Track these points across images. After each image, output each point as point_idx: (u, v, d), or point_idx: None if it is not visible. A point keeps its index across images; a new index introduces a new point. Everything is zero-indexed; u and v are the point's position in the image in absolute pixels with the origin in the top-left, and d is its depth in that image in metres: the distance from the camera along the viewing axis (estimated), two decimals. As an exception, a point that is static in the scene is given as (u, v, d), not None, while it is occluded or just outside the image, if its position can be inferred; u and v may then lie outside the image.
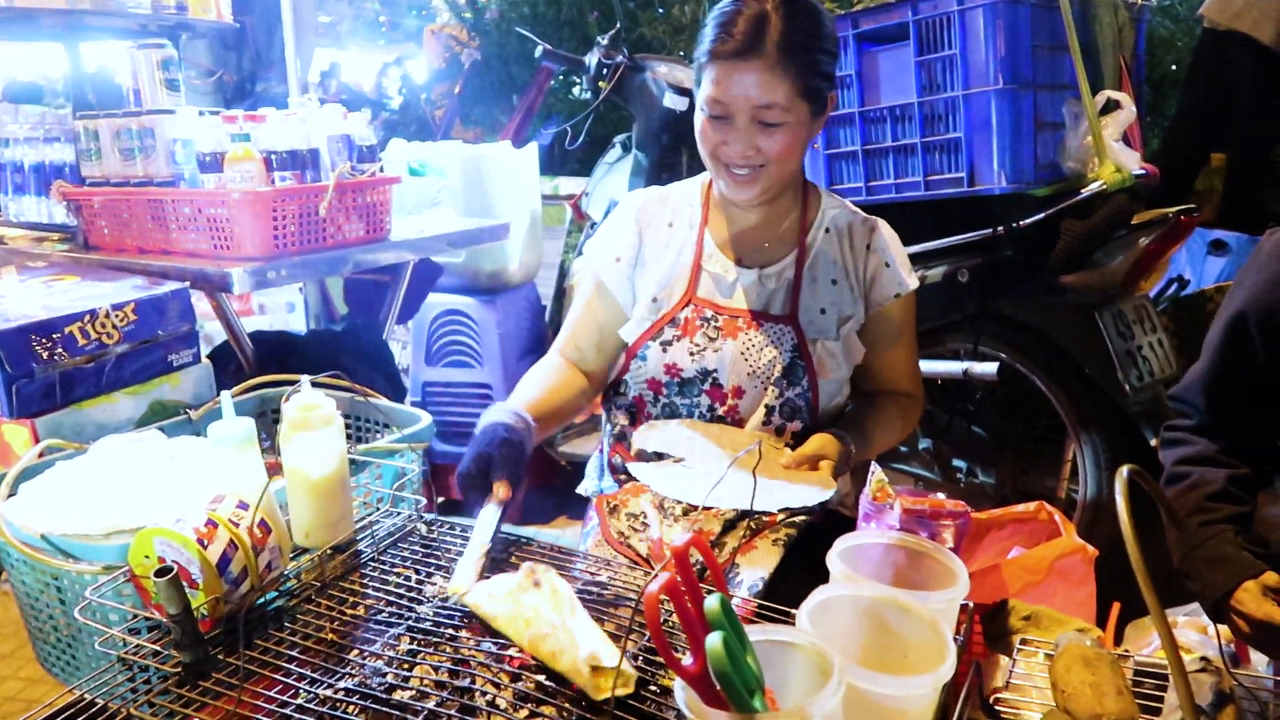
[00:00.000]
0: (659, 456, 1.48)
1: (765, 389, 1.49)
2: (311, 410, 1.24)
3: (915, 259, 2.34)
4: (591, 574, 1.25)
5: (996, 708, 1.11)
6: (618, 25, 3.09)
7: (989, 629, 1.43)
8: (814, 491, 1.33)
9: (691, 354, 1.52)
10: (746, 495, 1.28)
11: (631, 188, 2.92)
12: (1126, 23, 2.36)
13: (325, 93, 4.87)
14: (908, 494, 1.19)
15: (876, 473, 1.22)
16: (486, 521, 1.23)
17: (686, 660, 0.84)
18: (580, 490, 1.76)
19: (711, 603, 0.83)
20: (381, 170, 2.27)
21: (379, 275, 2.64)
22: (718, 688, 0.80)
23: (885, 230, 1.56)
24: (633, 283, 1.60)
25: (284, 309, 3.75)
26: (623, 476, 1.65)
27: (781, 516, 1.53)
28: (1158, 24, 6.25)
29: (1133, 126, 2.20)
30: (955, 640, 1.12)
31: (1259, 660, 1.57)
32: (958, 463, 2.52)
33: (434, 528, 1.35)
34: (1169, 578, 1.88)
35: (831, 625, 1.02)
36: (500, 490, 1.26)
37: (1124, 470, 0.90)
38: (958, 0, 2.08)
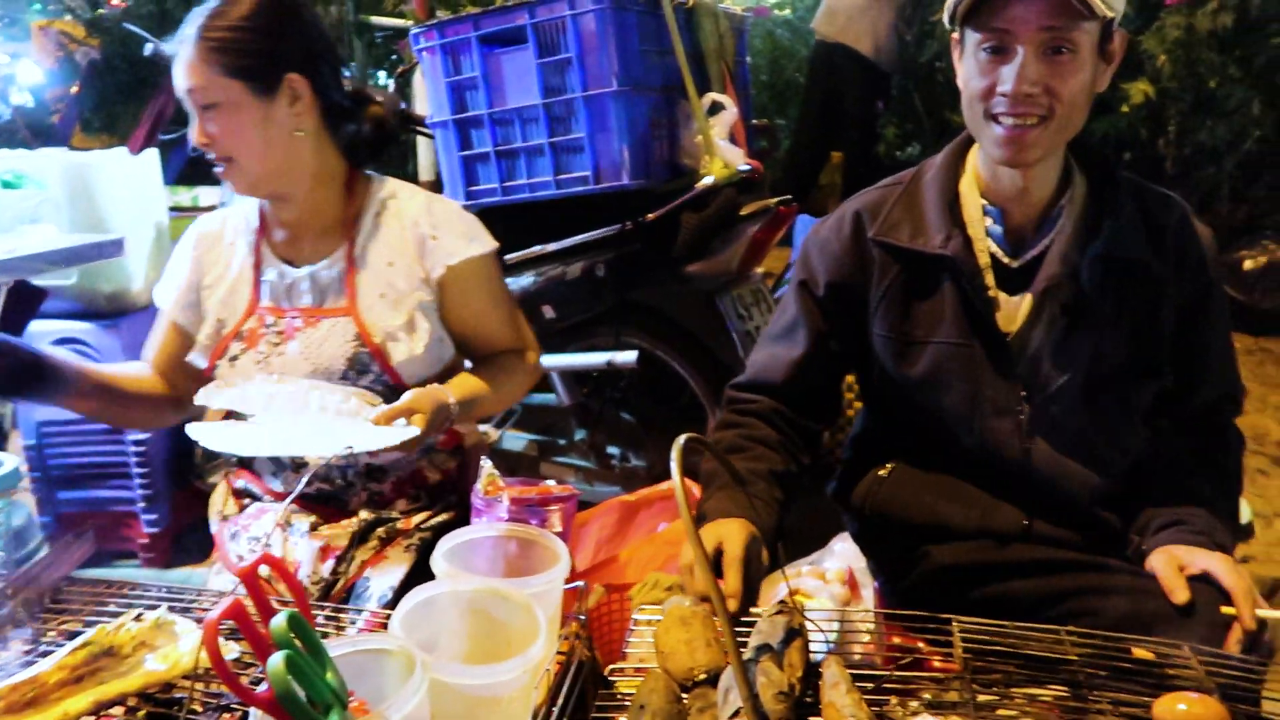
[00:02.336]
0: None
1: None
2: None
3: (556, 256, 2.42)
4: (203, 610, 1.16)
5: (612, 679, 1.17)
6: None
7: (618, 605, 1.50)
8: (399, 431, 1.30)
9: (258, 363, 1.49)
10: (335, 440, 1.26)
11: None
12: (728, 31, 2.57)
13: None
14: (518, 484, 1.22)
15: (486, 467, 1.24)
16: None
17: (262, 686, 0.80)
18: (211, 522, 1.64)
19: (277, 621, 0.79)
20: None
21: (-40, 304, 2.28)
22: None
23: (440, 205, 1.57)
24: (199, 310, 1.56)
25: None
26: (246, 500, 1.56)
27: (417, 520, 1.52)
28: (781, 35, 6.92)
29: (737, 126, 2.40)
30: (577, 619, 1.17)
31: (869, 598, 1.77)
32: (611, 449, 2.64)
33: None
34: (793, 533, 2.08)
35: (436, 624, 1.02)
36: None
37: (681, 439, 0.97)
38: (569, 5, 2.16)
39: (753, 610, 1.18)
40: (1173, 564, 1.28)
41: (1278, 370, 3.47)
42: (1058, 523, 1.42)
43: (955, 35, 1.33)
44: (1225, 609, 1.21)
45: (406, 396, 1.35)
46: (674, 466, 0.93)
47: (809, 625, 1.17)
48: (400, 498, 1.55)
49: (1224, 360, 1.46)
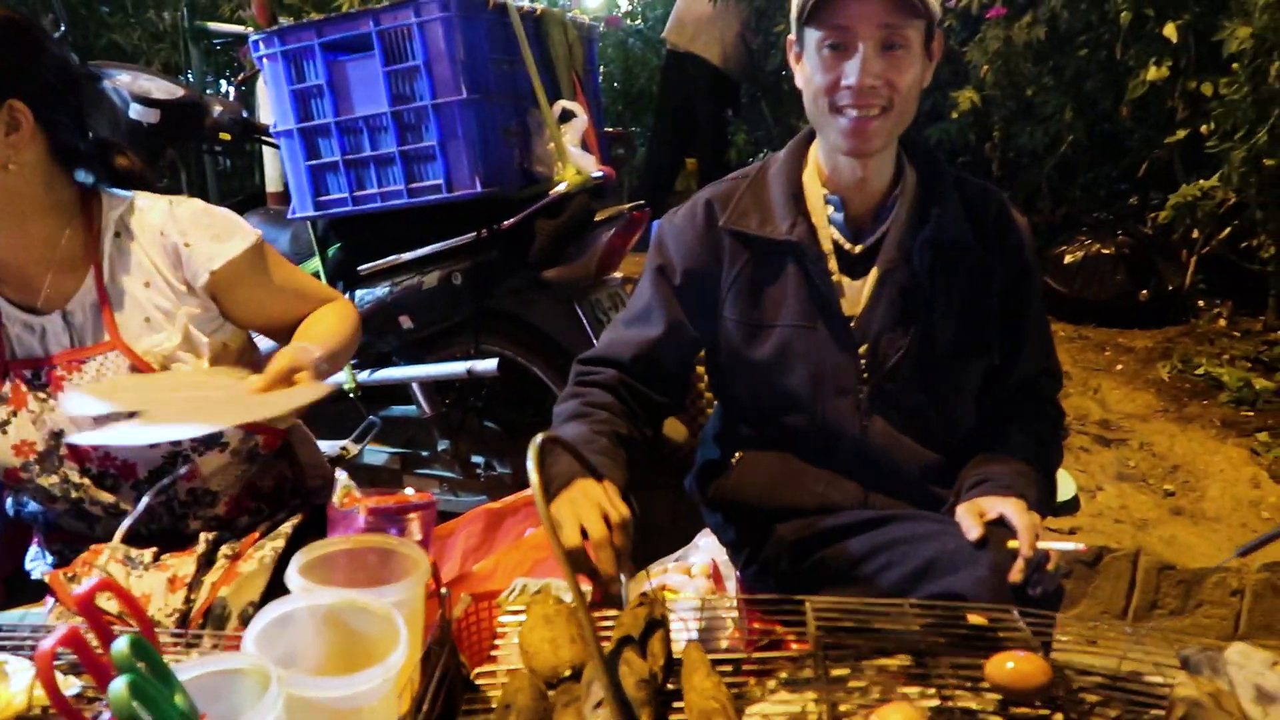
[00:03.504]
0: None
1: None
2: None
3: (411, 266, 2.39)
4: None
5: (479, 682, 1.17)
6: (62, 29, 2.75)
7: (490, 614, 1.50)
8: (309, 390, 1.25)
9: (34, 423, 1.40)
10: (242, 409, 1.21)
11: None
12: (576, 40, 2.60)
13: None
14: (374, 494, 1.21)
15: (342, 479, 1.22)
16: None
17: (105, 717, 0.77)
18: (34, 575, 1.55)
19: (119, 646, 0.76)
20: None
21: None
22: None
23: (184, 209, 1.47)
24: None
25: None
26: (60, 549, 1.49)
27: (260, 532, 1.47)
28: (633, 44, 7.03)
29: (589, 133, 2.44)
30: (439, 625, 1.17)
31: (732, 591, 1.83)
32: (476, 459, 2.62)
33: None
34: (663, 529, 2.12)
35: (292, 641, 1.00)
36: None
37: (537, 438, 0.99)
38: (415, 13, 2.14)
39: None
40: (973, 510, 1.38)
41: (1097, 355, 3.77)
42: (891, 494, 1.52)
43: (793, 38, 1.41)
44: (1011, 543, 1.31)
45: (276, 359, 1.27)
46: (530, 465, 0.94)
47: (671, 616, 1.21)
48: (239, 515, 1.50)
49: (1041, 338, 1.58)
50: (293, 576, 1.04)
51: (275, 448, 1.58)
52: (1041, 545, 1.31)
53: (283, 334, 1.54)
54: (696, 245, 1.50)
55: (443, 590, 1.20)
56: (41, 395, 1.39)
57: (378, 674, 0.89)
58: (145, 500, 1.39)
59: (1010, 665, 1.06)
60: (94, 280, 1.40)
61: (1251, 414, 3.32)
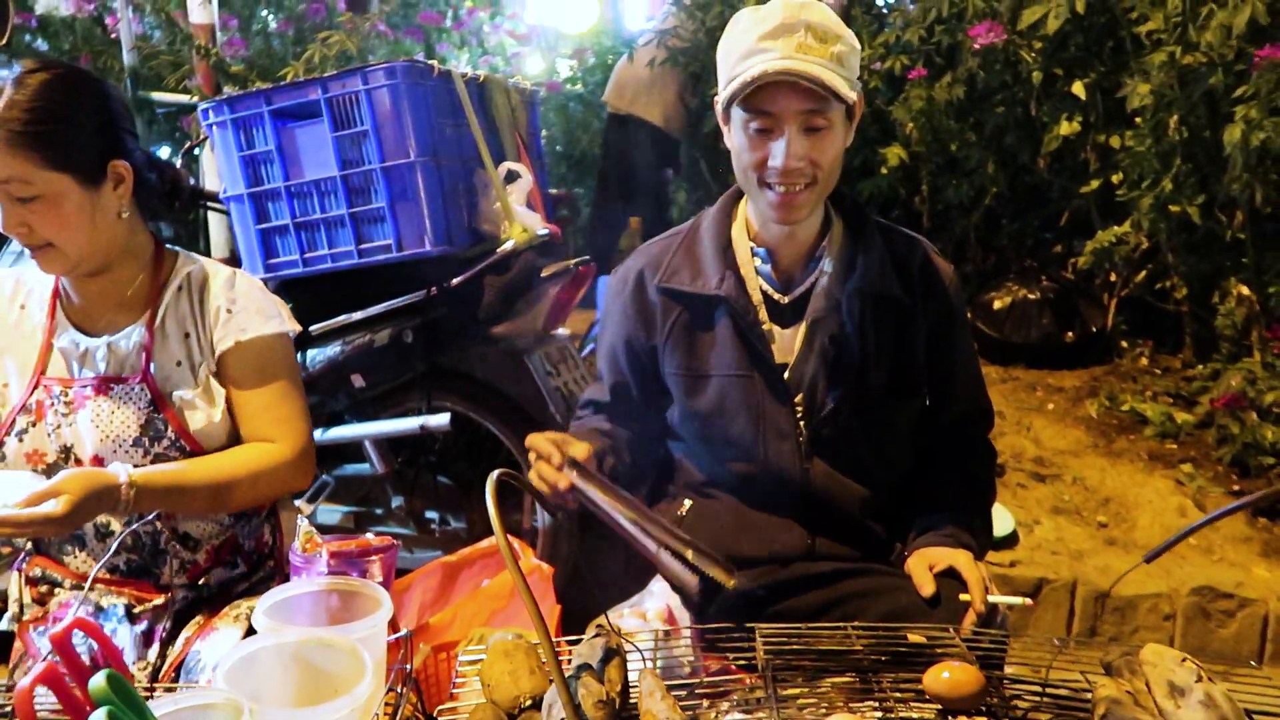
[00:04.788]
0: None
1: (125, 450, 1.44)
2: None
3: (362, 325, 2.43)
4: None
5: (439, 718, 1.20)
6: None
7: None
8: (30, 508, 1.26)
9: (49, 435, 1.45)
10: None
11: None
12: (519, 104, 2.71)
13: None
14: (335, 540, 1.24)
15: (303, 526, 1.25)
16: None
17: (81, 752, 0.79)
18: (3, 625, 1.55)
19: (97, 680, 0.80)
20: None
21: None
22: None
23: (244, 282, 1.57)
24: None
25: None
26: (44, 588, 1.49)
27: (238, 590, 1.50)
28: (574, 109, 7.20)
29: (533, 192, 2.52)
30: (403, 668, 1.20)
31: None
32: (430, 514, 2.64)
33: None
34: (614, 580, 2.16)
35: (260, 679, 1.03)
36: None
37: (494, 475, 1.04)
38: (363, 80, 2.22)
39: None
40: (923, 563, 1.47)
41: (1028, 395, 3.91)
42: (836, 538, 1.58)
43: (720, 104, 1.50)
44: (963, 596, 1.41)
45: (58, 476, 1.29)
46: (490, 502, 0.99)
47: (627, 647, 1.26)
48: (217, 566, 1.53)
49: (971, 379, 1.67)
50: (259, 617, 1.07)
51: (261, 510, 1.60)
52: (991, 599, 1.40)
53: (248, 428, 1.54)
54: (630, 309, 1.61)
55: (403, 630, 1.24)
56: (63, 410, 1.45)
57: (345, 705, 0.93)
58: (121, 534, 1.43)
59: (946, 675, 1.13)
60: (146, 322, 1.50)
61: (1175, 446, 3.47)
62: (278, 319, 1.56)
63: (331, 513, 2.69)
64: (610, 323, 1.61)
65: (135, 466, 1.37)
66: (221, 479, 1.44)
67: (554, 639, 1.56)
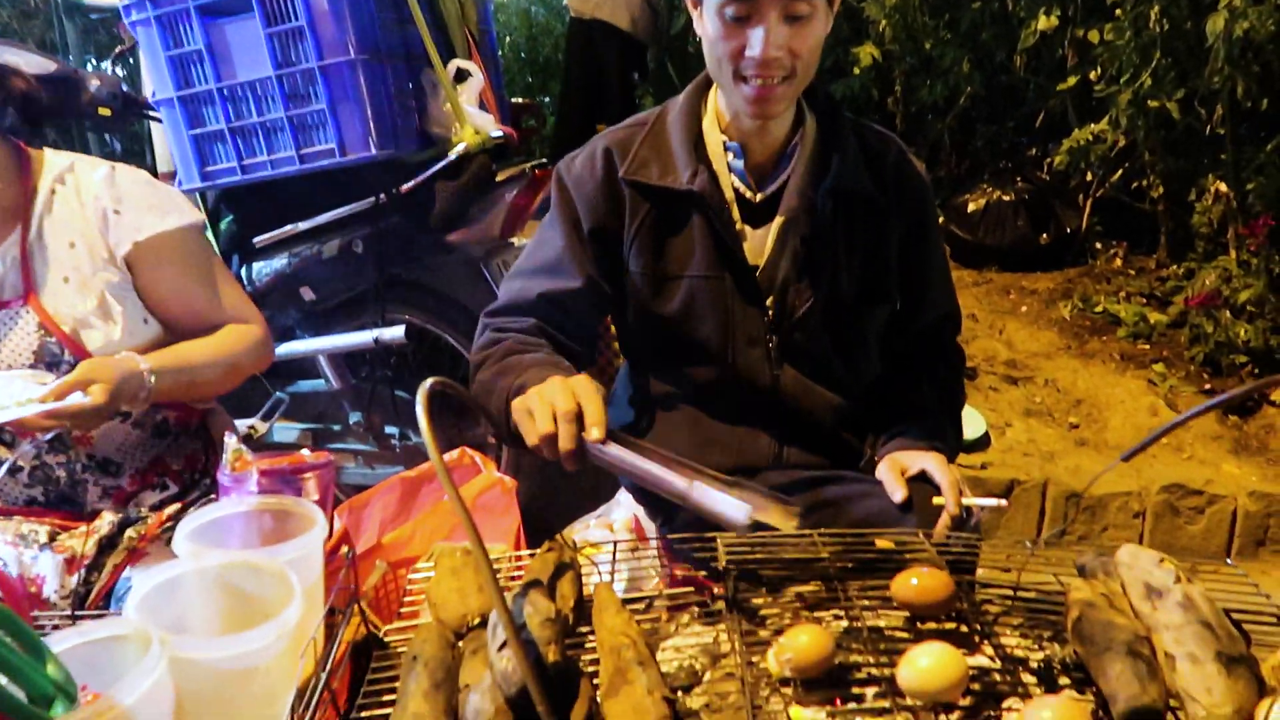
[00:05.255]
0: None
1: (20, 380, 1.34)
2: None
3: (309, 236, 2.32)
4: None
5: (388, 639, 1.15)
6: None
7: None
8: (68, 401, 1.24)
9: None
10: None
11: None
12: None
13: None
14: (266, 457, 1.16)
15: (231, 443, 1.17)
16: None
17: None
18: None
19: (-23, 615, 0.72)
20: None
21: None
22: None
23: (126, 177, 1.46)
24: None
25: None
26: None
27: (170, 513, 1.42)
28: (536, 13, 6.92)
29: (485, 92, 2.38)
30: (346, 589, 1.14)
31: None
32: (390, 429, 2.57)
33: None
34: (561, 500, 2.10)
35: (182, 607, 0.96)
36: None
37: (426, 383, 0.96)
38: (296, -30, 2.06)
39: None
40: (895, 468, 1.42)
41: (1002, 299, 3.86)
42: (806, 447, 1.53)
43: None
44: (936, 499, 1.36)
45: (81, 367, 1.26)
46: (420, 414, 0.91)
47: (602, 566, 1.21)
48: (144, 490, 1.45)
49: (943, 282, 1.60)
50: (179, 542, 1.00)
51: (189, 425, 1.52)
52: (965, 502, 1.35)
53: (189, 331, 1.49)
54: (598, 197, 1.46)
55: (345, 549, 1.18)
56: None
57: (270, 631, 0.86)
58: (9, 461, 1.35)
59: (914, 582, 1.08)
60: (19, 235, 1.38)
61: (1148, 347, 3.45)
62: (176, 212, 1.45)
63: (287, 430, 2.61)
64: (581, 207, 1.46)
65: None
66: (223, 356, 1.46)
67: (515, 553, 1.51)
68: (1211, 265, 3.35)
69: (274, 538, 1.09)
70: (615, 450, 1.16)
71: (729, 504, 1.06)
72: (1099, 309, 3.65)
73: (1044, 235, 4.08)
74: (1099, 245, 4.13)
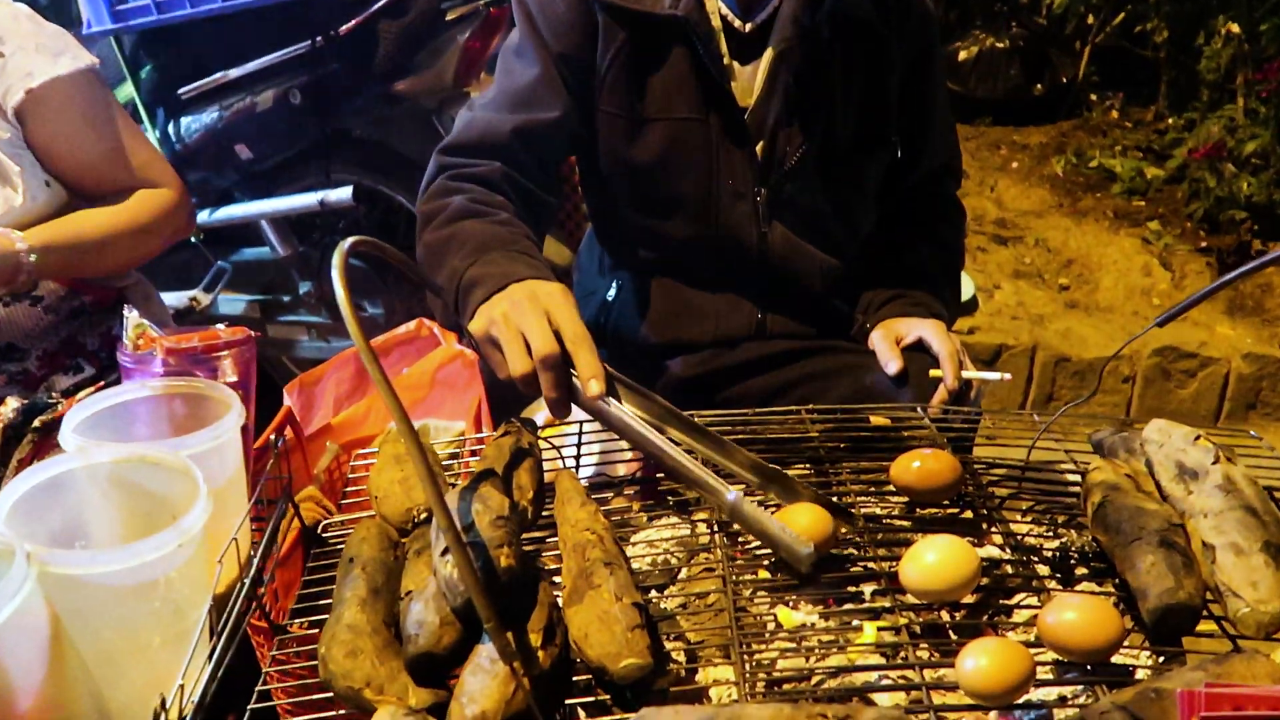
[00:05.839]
0: None
1: None
2: None
3: (240, 85, 2.10)
4: None
5: (324, 535, 1.02)
6: None
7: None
8: None
9: None
10: None
11: None
12: None
13: None
14: (173, 333, 1.01)
15: (133, 318, 1.01)
16: None
17: None
18: None
19: None
20: None
21: None
22: None
23: (7, 10, 1.29)
24: None
25: None
26: None
27: (85, 395, 1.28)
28: None
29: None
30: (276, 480, 1.00)
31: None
32: (343, 300, 2.40)
33: None
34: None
35: (72, 510, 0.82)
36: None
37: (345, 243, 0.80)
38: None
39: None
40: (889, 336, 1.32)
41: (992, 154, 3.68)
42: (790, 315, 1.41)
43: None
44: (933, 372, 1.26)
45: None
46: (336, 277, 0.76)
47: (567, 451, 1.08)
48: (54, 373, 1.30)
49: (945, 125, 1.46)
50: (66, 434, 0.85)
51: (106, 304, 1.36)
52: (965, 374, 1.23)
53: (89, 190, 1.33)
54: (568, 21, 1.26)
55: (274, 438, 1.04)
56: None
57: (169, 539, 0.73)
58: None
59: (917, 465, 0.96)
60: None
61: (1143, 203, 3.30)
62: (69, 53, 1.27)
63: (234, 302, 2.43)
64: (548, 32, 1.25)
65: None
66: (127, 225, 1.31)
67: (476, 435, 1.38)
68: (1216, 115, 3.17)
69: (189, 428, 0.94)
70: (622, 413, 0.94)
71: (787, 534, 0.83)
72: (1093, 164, 3.48)
73: (1038, 86, 3.87)
74: (1094, 97, 3.93)
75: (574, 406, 0.97)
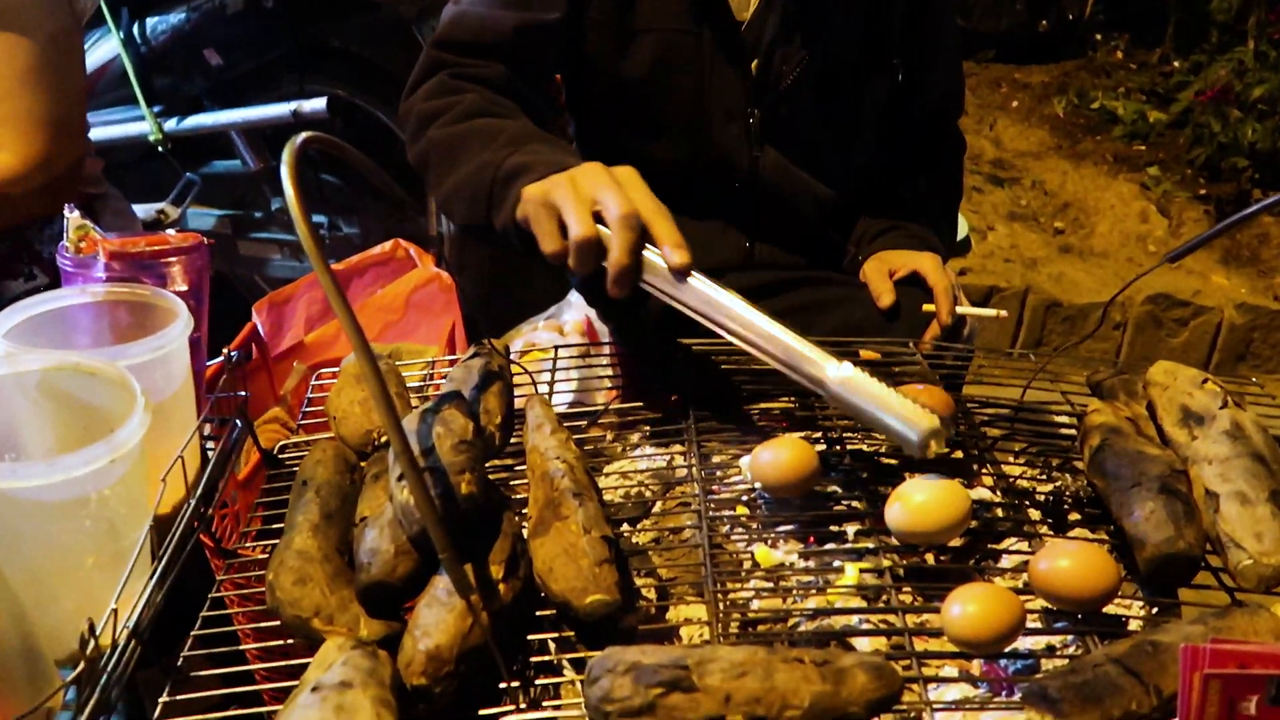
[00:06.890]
0: None
1: None
2: None
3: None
4: None
5: (281, 456, 0.97)
6: None
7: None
8: None
9: None
10: None
11: None
12: None
13: None
14: (119, 236, 0.94)
15: (74, 219, 0.93)
16: None
17: None
18: None
19: None
20: None
21: None
22: None
23: None
24: None
25: None
26: None
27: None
28: None
29: None
30: (229, 397, 0.95)
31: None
32: (317, 218, 2.32)
33: None
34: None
35: (3, 421, 0.76)
36: None
37: (297, 139, 0.73)
38: None
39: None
40: (882, 269, 1.28)
41: (992, 92, 3.59)
42: (779, 244, 1.35)
43: None
44: (926, 306, 1.22)
45: None
46: (285, 177, 0.69)
47: (543, 376, 1.02)
48: (6, 279, 1.23)
49: (950, 54, 1.40)
50: (-7, 340, 0.79)
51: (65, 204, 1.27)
52: (959, 310, 1.21)
53: None
54: None
55: (230, 352, 0.98)
56: None
57: (100, 453, 0.67)
58: None
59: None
60: None
61: (1144, 148, 3.24)
62: None
63: (204, 216, 2.34)
64: None
65: None
66: None
67: (448, 357, 1.32)
68: (1225, 58, 3.08)
69: (134, 338, 0.88)
70: (705, 284, 0.86)
71: (910, 408, 0.76)
72: (1095, 105, 3.40)
73: (1043, 22, 3.76)
74: (1099, 36, 3.83)
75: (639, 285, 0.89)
